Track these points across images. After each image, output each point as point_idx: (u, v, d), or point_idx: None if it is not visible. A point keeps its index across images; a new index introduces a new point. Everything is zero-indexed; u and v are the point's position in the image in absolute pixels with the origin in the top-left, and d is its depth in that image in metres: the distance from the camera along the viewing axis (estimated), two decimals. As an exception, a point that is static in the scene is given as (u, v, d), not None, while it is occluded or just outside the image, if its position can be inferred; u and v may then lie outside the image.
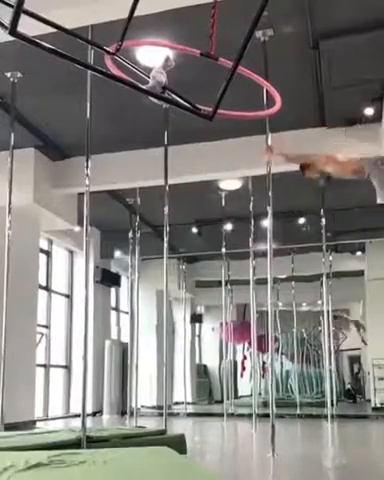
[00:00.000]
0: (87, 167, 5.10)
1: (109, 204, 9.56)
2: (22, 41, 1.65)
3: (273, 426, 5.21)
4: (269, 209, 5.53)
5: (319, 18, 5.22)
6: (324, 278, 10.60)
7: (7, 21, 1.59)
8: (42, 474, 3.23)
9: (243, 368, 14.94)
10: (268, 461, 5.09)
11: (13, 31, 1.56)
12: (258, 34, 5.31)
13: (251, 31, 1.90)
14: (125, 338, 12.04)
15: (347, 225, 10.81)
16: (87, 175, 5.09)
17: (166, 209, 6.55)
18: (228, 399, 11.14)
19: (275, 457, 5.08)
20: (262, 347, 11.73)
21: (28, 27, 1.73)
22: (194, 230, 11.19)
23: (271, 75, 4.88)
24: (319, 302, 12.85)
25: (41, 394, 9.96)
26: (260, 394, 12.92)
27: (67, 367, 11.20)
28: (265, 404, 10.82)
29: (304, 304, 16.08)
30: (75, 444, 4.59)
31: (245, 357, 15.00)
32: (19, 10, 1.52)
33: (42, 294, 10.01)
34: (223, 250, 10.56)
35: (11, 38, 1.63)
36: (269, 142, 5.58)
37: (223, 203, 9.77)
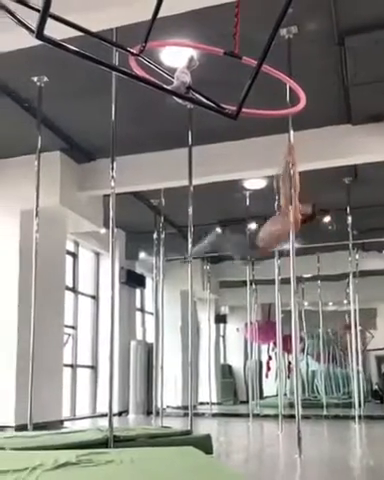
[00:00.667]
0: (112, 169, 5.12)
1: (134, 205, 9.60)
2: (49, 45, 1.67)
3: (299, 427, 5.18)
4: (291, 208, 5.50)
5: (344, 14, 5.17)
6: (351, 277, 10.49)
7: (34, 25, 1.61)
8: (70, 473, 3.26)
9: (268, 368, 14.86)
10: (295, 462, 5.05)
11: (40, 35, 1.57)
12: (282, 32, 5.26)
13: (276, 29, 1.90)
14: (150, 338, 12.08)
15: (374, 223, 10.69)
16: (112, 177, 5.11)
17: (190, 210, 6.55)
18: (253, 400, 11.10)
19: (302, 458, 5.05)
20: (288, 347, 11.65)
21: (53, 31, 1.74)
22: (218, 230, 11.16)
23: (295, 72, 4.85)
24: (345, 302, 12.73)
25: (68, 394, 10.05)
26: (286, 395, 12.84)
27: (93, 367, 11.29)
28: (291, 405, 10.74)
29: (330, 304, 15.94)
30: (102, 443, 4.62)
31: (270, 357, 14.92)
32: (45, 14, 1.54)
33: (69, 295, 10.10)
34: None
35: (37, 43, 1.65)
36: (292, 140, 5.55)
37: (247, 202, 9.74)
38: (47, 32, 1.66)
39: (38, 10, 1.61)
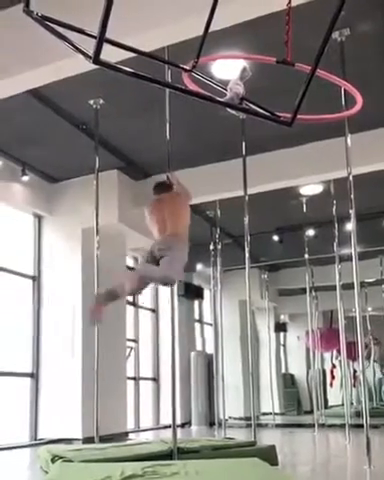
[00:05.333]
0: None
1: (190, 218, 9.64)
2: (105, 68, 1.72)
3: (368, 436, 5.05)
4: (352, 212, 5.40)
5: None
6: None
7: (89, 51, 1.67)
8: (137, 485, 3.29)
9: (332, 377, 14.57)
10: (364, 473, 4.92)
11: (97, 60, 1.63)
12: (334, 35, 5.20)
13: (329, 33, 1.88)
14: (210, 349, 12.07)
15: None
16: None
17: (246, 219, 6.55)
18: (318, 409, 10.90)
19: (372, 469, 4.91)
20: (352, 355, 11.38)
21: (107, 54, 1.79)
22: (275, 238, 11.08)
23: (349, 75, 4.79)
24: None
25: (132, 406, 10.15)
26: (352, 403, 12.54)
27: (155, 379, 11.36)
28: (358, 414, 10.48)
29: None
30: (167, 455, 4.64)
31: (334, 365, 14.63)
32: (101, 40, 1.59)
33: (129, 309, 10.22)
34: (306, 256, 10.40)
35: (93, 67, 1.71)
36: (349, 144, 5.47)
37: (304, 209, 9.64)
38: (102, 56, 1.71)
39: (94, 37, 1.66)
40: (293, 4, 2.32)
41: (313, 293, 11.88)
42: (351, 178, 5.43)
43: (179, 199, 4.86)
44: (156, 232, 4.65)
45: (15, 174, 7.87)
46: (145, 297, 11.46)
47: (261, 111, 2.24)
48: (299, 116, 2.10)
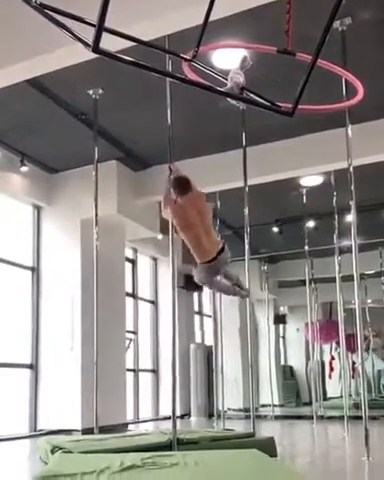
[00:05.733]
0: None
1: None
2: (105, 57, 1.70)
3: (366, 428, 5.06)
4: (352, 203, 5.38)
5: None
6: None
7: (89, 39, 1.65)
8: (136, 475, 3.30)
9: (331, 369, 14.60)
10: (363, 465, 4.93)
11: (96, 48, 1.61)
12: (336, 24, 5.14)
13: (330, 22, 1.86)
14: (209, 341, 12.09)
15: None
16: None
17: (246, 211, 6.52)
18: (317, 401, 10.92)
19: (370, 460, 4.93)
20: (351, 346, 11.40)
21: (107, 43, 1.77)
22: (275, 229, 11.06)
23: (351, 64, 4.75)
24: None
25: (131, 397, 10.18)
26: (351, 395, 12.58)
27: (154, 371, 11.38)
28: (356, 406, 10.52)
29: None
30: (166, 446, 4.66)
31: (333, 357, 14.65)
32: (101, 29, 1.57)
33: (129, 301, 10.23)
34: (306, 248, 10.38)
35: (92, 56, 1.69)
36: (350, 134, 5.44)
37: (304, 200, 9.62)
38: (101, 44, 1.69)
39: (93, 25, 1.64)
40: (294, -8, 2.29)
41: (313, 285, 11.88)
42: (351, 169, 5.40)
43: (202, 199, 4.73)
44: (193, 248, 4.69)
45: (14, 164, 7.83)
46: (144, 288, 11.46)
47: (262, 101, 2.22)
48: (300, 106, 2.08)
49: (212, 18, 2.37)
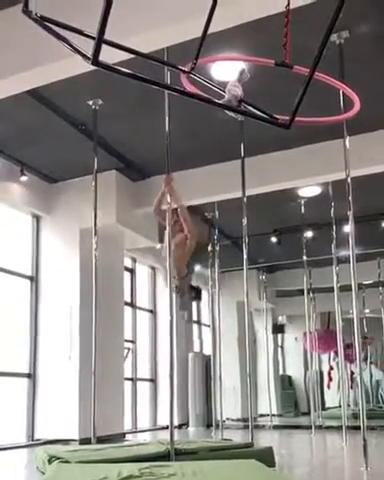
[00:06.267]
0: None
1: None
2: (104, 69, 1.72)
3: (365, 438, 5.05)
4: (350, 213, 5.41)
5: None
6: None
7: (89, 52, 1.67)
8: (134, 486, 3.29)
9: (330, 379, 14.58)
10: (361, 475, 4.92)
11: (95, 61, 1.63)
12: (333, 37, 5.19)
13: (327, 35, 1.88)
14: (207, 350, 12.07)
15: None
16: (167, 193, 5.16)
17: (244, 221, 6.55)
18: (315, 411, 10.89)
19: (369, 470, 4.92)
20: (349, 356, 11.40)
21: (106, 55, 1.79)
22: (273, 239, 11.09)
23: (348, 77, 4.79)
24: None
25: (129, 407, 10.15)
26: (349, 405, 12.55)
27: (153, 380, 11.36)
28: (354, 416, 10.49)
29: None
30: (164, 456, 4.63)
31: (331, 367, 14.64)
32: (100, 41, 1.59)
33: (127, 310, 10.23)
34: (304, 258, 10.40)
35: (91, 68, 1.71)
36: (347, 146, 5.48)
37: (302, 210, 9.66)
38: (101, 56, 1.71)
39: (92, 37, 1.67)
40: (292, 6, 2.32)
41: (311, 295, 11.88)
42: (349, 180, 5.43)
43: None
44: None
45: (14, 174, 7.86)
46: (143, 298, 11.46)
47: (259, 113, 2.25)
48: (297, 118, 2.10)
49: (211, 31, 2.40)
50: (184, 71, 2.30)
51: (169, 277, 4.85)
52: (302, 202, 9.58)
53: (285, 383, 16.64)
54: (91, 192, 6.74)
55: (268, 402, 12.85)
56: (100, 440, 6.31)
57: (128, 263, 10.82)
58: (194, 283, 13.36)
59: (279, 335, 17.04)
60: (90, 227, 6.71)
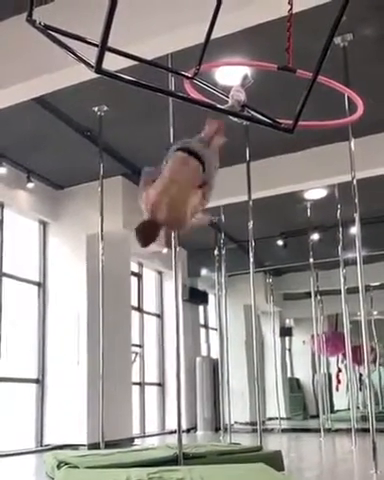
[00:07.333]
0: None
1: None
2: (107, 77, 1.73)
3: (374, 441, 5.04)
4: (356, 216, 5.40)
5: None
6: None
7: (92, 60, 1.68)
8: (143, 491, 3.29)
9: (338, 381, 14.51)
10: (371, 478, 4.90)
11: (98, 69, 1.64)
12: (337, 40, 5.20)
13: (330, 39, 1.89)
14: (215, 354, 12.06)
15: None
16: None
17: (250, 224, 6.55)
18: (324, 414, 10.85)
19: (378, 474, 4.90)
20: (358, 359, 11.35)
21: (110, 62, 1.81)
22: (280, 242, 11.08)
23: (352, 80, 4.80)
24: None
25: (137, 411, 10.14)
26: (358, 408, 12.48)
27: (160, 385, 11.35)
28: (364, 418, 10.44)
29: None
30: (172, 461, 4.62)
31: (340, 370, 14.58)
32: (103, 50, 1.60)
33: (134, 315, 10.24)
34: (311, 260, 10.38)
35: (95, 76, 1.72)
36: (352, 148, 5.47)
37: (308, 213, 9.64)
38: (104, 64, 1.72)
39: (96, 45, 1.68)
40: (294, 11, 2.33)
41: (318, 297, 11.85)
42: (355, 182, 5.43)
43: None
44: None
45: (20, 181, 7.90)
46: (150, 302, 11.47)
47: (262, 118, 2.25)
48: (300, 123, 2.11)
49: (214, 36, 2.41)
50: (187, 77, 2.32)
51: (176, 282, 4.72)
52: (308, 205, 9.57)
53: (293, 386, 16.57)
54: (97, 198, 6.76)
55: (276, 405, 12.79)
56: (108, 445, 6.31)
57: (135, 268, 10.84)
58: (200, 287, 13.40)
59: (287, 338, 16.98)
60: (97, 233, 6.73)
